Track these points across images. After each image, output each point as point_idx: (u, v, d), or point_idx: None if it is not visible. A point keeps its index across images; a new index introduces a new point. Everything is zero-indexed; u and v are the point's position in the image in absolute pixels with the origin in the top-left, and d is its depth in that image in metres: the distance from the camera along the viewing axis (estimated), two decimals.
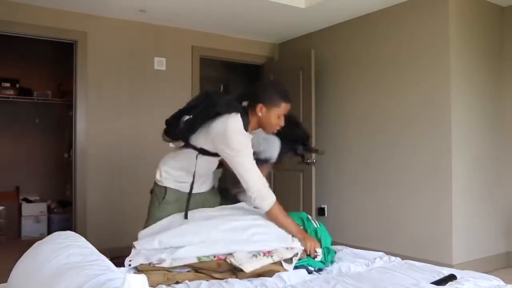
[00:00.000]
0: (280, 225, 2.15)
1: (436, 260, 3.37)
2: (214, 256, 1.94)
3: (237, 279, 1.86)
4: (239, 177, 2.18)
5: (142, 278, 1.08)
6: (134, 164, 4.55)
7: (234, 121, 2.17)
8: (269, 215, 2.17)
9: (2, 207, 5.32)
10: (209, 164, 2.39)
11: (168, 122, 2.40)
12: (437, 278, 1.87)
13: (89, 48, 4.36)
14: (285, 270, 1.97)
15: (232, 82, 6.55)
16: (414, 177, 3.96)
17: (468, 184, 3.81)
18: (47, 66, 5.88)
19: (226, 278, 1.88)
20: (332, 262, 2.20)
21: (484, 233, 3.92)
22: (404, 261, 2.22)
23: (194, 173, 2.33)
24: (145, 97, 4.63)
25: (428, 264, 2.14)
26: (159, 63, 4.74)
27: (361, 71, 4.47)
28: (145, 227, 2.38)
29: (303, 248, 2.10)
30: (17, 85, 5.48)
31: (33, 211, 5.44)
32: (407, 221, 4.00)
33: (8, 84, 5.40)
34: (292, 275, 1.91)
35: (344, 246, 2.54)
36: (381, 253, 2.33)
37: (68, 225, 4.73)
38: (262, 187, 2.16)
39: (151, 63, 4.70)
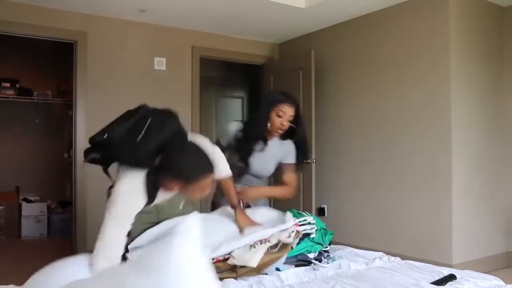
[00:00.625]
0: None
1: (436, 260, 3.37)
2: (213, 259, 1.92)
3: (232, 279, 1.85)
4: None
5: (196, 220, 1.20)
6: None
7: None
8: None
9: (2, 207, 5.32)
10: None
11: None
12: (437, 278, 1.87)
13: (89, 48, 4.36)
14: (287, 252, 1.99)
15: (232, 82, 6.54)
16: (414, 177, 3.96)
17: (468, 184, 3.81)
18: (47, 66, 5.88)
19: (226, 277, 1.87)
20: (330, 243, 2.25)
21: (484, 233, 3.92)
22: (404, 261, 2.22)
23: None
24: (145, 97, 4.61)
25: (428, 264, 2.14)
26: (159, 63, 4.74)
27: (361, 71, 4.47)
28: None
29: (294, 228, 2.11)
30: (17, 85, 5.49)
31: (33, 211, 5.44)
32: (407, 221, 4.00)
33: (8, 84, 5.41)
34: (290, 275, 1.92)
35: (344, 246, 2.54)
36: (380, 253, 2.33)
37: (68, 225, 4.73)
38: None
39: (151, 63, 4.70)
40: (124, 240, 1.69)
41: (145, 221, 2.05)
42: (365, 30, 4.43)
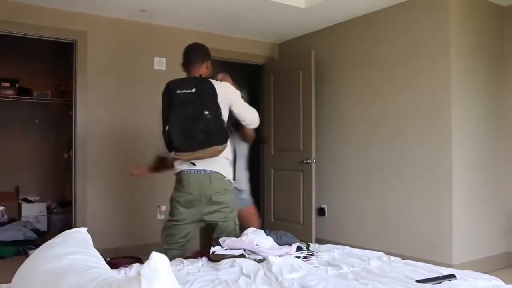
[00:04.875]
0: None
1: (436, 260, 3.37)
2: None
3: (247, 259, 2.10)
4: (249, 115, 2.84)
5: (164, 256, 1.17)
6: (134, 163, 4.54)
7: (218, 82, 2.70)
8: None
9: (2, 207, 5.32)
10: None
11: (193, 140, 2.54)
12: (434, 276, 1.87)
13: (89, 48, 4.36)
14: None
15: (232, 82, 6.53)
16: (414, 177, 3.96)
17: (468, 184, 3.81)
18: (47, 66, 5.88)
19: None
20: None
21: (484, 233, 3.92)
22: (403, 261, 2.22)
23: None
24: (145, 97, 4.63)
25: (428, 264, 2.14)
26: (159, 63, 4.74)
27: (361, 71, 4.47)
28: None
29: None
30: (17, 85, 5.48)
31: (33, 211, 5.44)
32: (407, 221, 4.00)
33: (7, 84, 5.40)
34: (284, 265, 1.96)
35: (343, 246, 2.54)
36: (380, 253, 2.33)
37: (68, 225, 4.73)
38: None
39: (151, 63, 4.70)
40: None
41: None
42: (365, 30, 4.43)
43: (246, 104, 2.82)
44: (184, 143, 2.50)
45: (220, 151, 2.56)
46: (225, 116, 2.62)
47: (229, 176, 2.70)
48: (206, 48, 2.83)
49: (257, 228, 3.16)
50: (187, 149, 2.52)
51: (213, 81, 2.62)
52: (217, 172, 2.62)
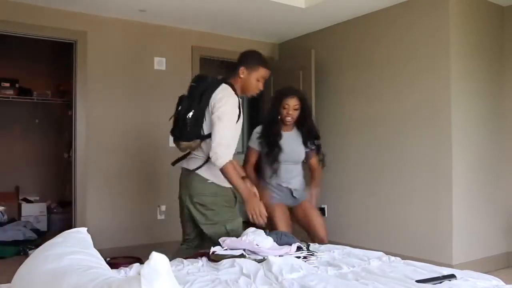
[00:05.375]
0: (232, 183, 2.54)
1: (436, 260, 3.36)
2: None
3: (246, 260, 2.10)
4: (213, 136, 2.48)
5: (164, 256, 1.17)
6: (134, 164, 4.55)
7: (226, 88, 2.56)
8: (222, 172, 2.48)
9: (2, 207, 5.32)
10: None
11: (173, 129, 2.63)
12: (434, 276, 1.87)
13: (89, 48, 4.35)
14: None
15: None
16: (414, 177, 3.96)
17: (468, 184, 3.81)
18: (47, 66, 5.88)
19: None
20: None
21: (484, 233, 3.92)
22: (403, 261, 2.22)
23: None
24: (145, 97, 4.63)
25: (428, 264, 2.14)
26: (159, 63, 4.74)
27: (361, 71, 4.47)
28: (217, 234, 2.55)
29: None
30: (17, 85, 5.48)
31: (33, 211, 5.43)
32: (407, 221, 4.00)
33: (7, 84, 5.40)
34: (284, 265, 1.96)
35: (343, 246, 2.54)
36: (380, 253, 2.33)
37: (68, 225, 4.73)
38: (223, 148, 2.43)
39: (151, 63, 4.69)
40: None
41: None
42: (365, 30, 4.43)
43: (229, 126, 2.50)
44: (172, 131, 2.66)
45: (190, 147, 2.61)
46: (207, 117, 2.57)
47: (213, 178, 2.58)
48: (245, 55, 2.76)
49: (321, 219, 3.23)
50: (174, 136, 2.65)
51: (224, 85, 2.59)
52: (195, 172, 2.61)
